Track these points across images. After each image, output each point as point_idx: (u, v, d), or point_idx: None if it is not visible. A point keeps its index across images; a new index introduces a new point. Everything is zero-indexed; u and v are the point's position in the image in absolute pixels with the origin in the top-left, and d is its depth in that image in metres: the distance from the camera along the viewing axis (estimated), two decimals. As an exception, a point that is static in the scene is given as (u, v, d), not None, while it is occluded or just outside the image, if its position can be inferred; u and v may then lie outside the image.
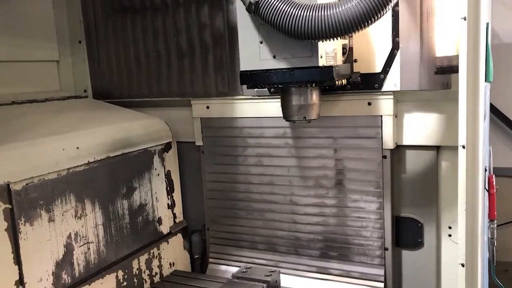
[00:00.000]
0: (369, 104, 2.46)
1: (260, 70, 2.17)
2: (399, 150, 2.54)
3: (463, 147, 1.82)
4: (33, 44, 2.91)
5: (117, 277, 2.50)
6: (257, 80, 2.21)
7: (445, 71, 2.17)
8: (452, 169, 2.48)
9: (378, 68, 2.33)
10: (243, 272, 2.45)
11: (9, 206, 1.94)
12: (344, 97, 2.51)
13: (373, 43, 2.32)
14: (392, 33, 2.26)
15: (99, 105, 3.04)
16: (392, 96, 2.42)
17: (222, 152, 2.92)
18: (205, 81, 2.83)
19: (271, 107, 2.69)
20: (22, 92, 2.79)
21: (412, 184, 2.55)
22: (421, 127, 2.46)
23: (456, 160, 1.88)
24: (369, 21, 1.87)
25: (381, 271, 2.58)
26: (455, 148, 1.96)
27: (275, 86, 2.25)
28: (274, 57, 2.14)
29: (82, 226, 2.30)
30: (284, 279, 2.58)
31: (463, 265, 1.88)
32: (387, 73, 2.31)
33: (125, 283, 2.55)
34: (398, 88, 2.31)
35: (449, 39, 2.23)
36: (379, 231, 2.57)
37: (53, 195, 2.13)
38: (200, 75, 2.84)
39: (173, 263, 2.94)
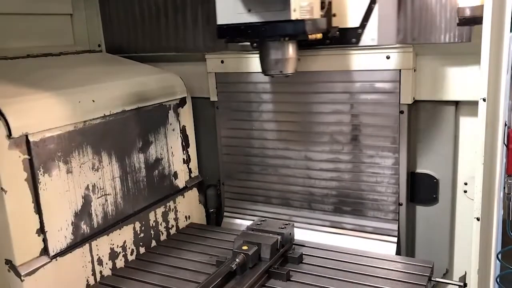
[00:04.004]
0: (388, 57, 2.40)
1: (236, 24, 2.13)
2: (416, 105, 2.50)
3: (484, 100, 1.78)
4: (46, -3, 2.88)
5: (134, 228, 2.56)
6: (233, 35, 2.17)
7: (468, 22, 2.09)
8: (471, 125, 2.44)
9: (356, 23, 2.29)
10: (258, 224, 2.48)
11: (28, 157, 1.98)
12: (361, 50, 2.45)
13: None
14: None
15: (113, 59, 3.03)
16: (411, 49, 2.36)
17: (237, 108, 2.91)
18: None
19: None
20: (37, 45, 2.78)
21: (429, 140, 2.53)
22: (440, 82, 2.41)
23: (475, 116, 1.84)
24: None
25: (394, 226, 2.60)
26: (474, 104, 1.92)
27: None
28: (249, 10, 2.10)
29: (100, 178, 2.33)
30: (298, 233, 2.61)
31: (478, 219, 1.88)
32: (365, 28, 2.28)
33: (142, 235, 2.61)
34: (375, 43, 2.30)
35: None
36: (394, 186, 2.57)
37: (70, 147, 2.16)
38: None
39: (189, 216, 3.00)
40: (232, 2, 2.11)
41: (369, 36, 2.29)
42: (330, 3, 2.29)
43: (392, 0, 2.31)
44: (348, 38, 2.33)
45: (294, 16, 2.02)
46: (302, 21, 2.05)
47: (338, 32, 2.31)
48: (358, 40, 2.32)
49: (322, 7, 2.25)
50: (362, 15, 2.28)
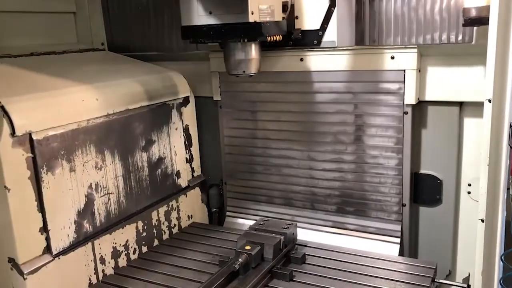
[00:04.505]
0: (392, 58, 2.39)
1: (198, 25, 2.20)
2: (421, 105, 2.49)
3: (489, 101, 1.77)
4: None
5: (137, 227, 2.55)
6: (196, 36, 2.25)
7: (473, 23, 2.09)
8: (475, 126, 2.43)
9: (317, 25, 2.36)
10: (261, 224, 2.48)
11: (32, 155, 1.97)
12: (366, 50, 2.46)
13: (313, 0, 2.36)
14: None
15: (116, 58, 3.02)
16: (416, 50, 2.35)
17: (240, 107, 2.90)
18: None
19: (290, 61, 2.65)
20: (40, 43, 2.78)
21: (433, 141, 2.52)
22: (444, 82, 2.41)
23: (479, 117, 1.84)
24: None
25: (397, 227, 2.59)
26: (478, 105, 1.91)
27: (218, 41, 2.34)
28: (210, 13, 2.16)
29: (103, 177, 2.33)
30: (301, 233, 2.60)
31: (482, 221, 1.87)
32: (325, 30, 2.34)
33: (144, 234, 2.61)
34: (335, 45, 2.37)
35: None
36: (397, 187, 2.56)
37: (73, 145, 2.16)
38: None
39: (191, 215, 2.99)
40: (194, 5, 2.18)
41: (329, 38, 2.36)
42: (292, 5, 2.36)
43: (350, 4, 2.38)
44: (309, 39, 2.40)
45: (252, 18, 2.08)
46: (260, 23, 2.10)
47: (300, 34, 2.40)
48: (319, 42, 2.38)
49: (284, 10, 2.32)
50: (322, 18, 2.34)
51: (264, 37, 2.17)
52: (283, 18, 2.32)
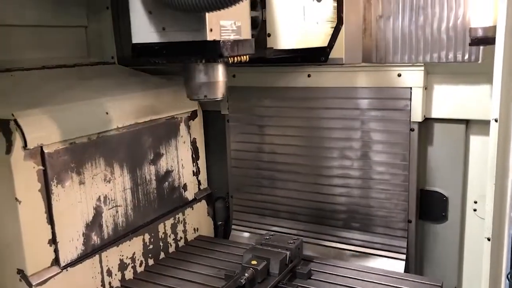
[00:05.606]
0: (399, 75, 2.42)
1: (150, 43, 1.86)
2: (427, 123, 2.51)
3: (496, 120, 1.79)
4: (62, 9, 2.92)
5: (143, 240, 2.57)
6: (148, 54, 1.89)
7: (480, 43, 2.12)
8: (481, 143, 2.44)
9: (292, 45, 2.13)
10: (266, 239, 2.49)
11: (42, 168, 2.00)
12: (373, 68, 2.49)
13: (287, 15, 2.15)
14: (338, 8, 2.33)
15: (126, 71, 3.06)
16: (422, 68, 2.38)
17: (247, 121, 2.93)
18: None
19: (298, 77, 2.68)
20: (52, 57, 2.82)
21: (439, 158, 2.53)
22: (451, 100, 2.43)
23: (485, 135, 1.85)
24: None
25: (403, 243, 2.59)
26: (485, 122, 1.93)
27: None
28: (163, 29, 1.83)
29: (111, 190, 2.35)
30: (306, 248, 2.61)
31: (489, 239, 1.88)
32: (333, 47, 2.33)
33: (151, 246, 2.62)
34: (343, 62, 2.36)
35: (485, 10, 2.16)
36: (403, 203, 2.57)
37: (83, 158, 2.19)
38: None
39: (197, 228, 3.01)
40: (146, 19, 1.86)
41: (337, 55, 2.34)
42: (264, 21, 2.09)
43: (358, 21, 2.40)
44: (318, 56, 2.36)
45: (211, 36, 1.75)
46: (217, 42, 1.77)
47: (273, 54, 2.14)
48: (327, 59, 2.36)
49: (254, 26, 2.03)
50: (330, 35, 2.33)
51: (224, 58, 1.81)
52: (253, 35, 2.00)
